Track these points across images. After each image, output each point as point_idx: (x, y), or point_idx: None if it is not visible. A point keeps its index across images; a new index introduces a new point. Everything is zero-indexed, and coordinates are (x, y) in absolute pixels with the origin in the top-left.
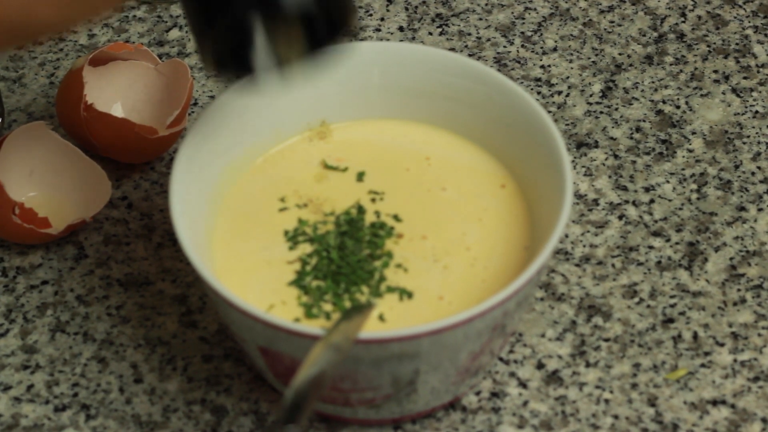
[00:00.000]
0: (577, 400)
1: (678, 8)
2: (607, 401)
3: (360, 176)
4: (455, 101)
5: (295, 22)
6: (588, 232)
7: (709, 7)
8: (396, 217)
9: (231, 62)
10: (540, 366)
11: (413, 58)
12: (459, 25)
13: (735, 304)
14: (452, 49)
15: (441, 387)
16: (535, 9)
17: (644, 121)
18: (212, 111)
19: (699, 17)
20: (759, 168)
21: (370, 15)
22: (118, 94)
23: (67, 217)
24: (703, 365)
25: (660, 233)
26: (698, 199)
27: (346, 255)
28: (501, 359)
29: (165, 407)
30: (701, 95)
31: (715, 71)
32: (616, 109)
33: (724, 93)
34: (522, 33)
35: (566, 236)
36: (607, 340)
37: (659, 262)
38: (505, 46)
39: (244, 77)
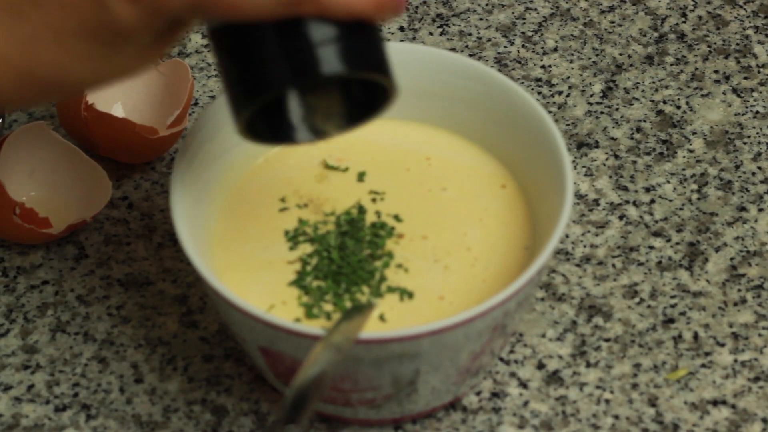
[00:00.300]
0: (578, 400)
1: (678, 8)
2: (607, 401)
3: (360, 176)
4: (456, 101)
5: (333, 96)
6: (588, 232)
7: (710, 8)
8: (396, 217)
9: (268, 134)
10: (540, 366)
11: (414, 58)
12: (459, 26)
13: (735, 304)
14: (453, 50)
15: (441, 387)
16: (535, 9)
17: (645, 121)
18: (212, 111)
19: (699, 17)
20: (759, 168)
21: None
22: (118, 94)
23: (68, 217)
24: (703, 365)
25: (660, 233)
26: (699, 199)
27: (347, 255)
28: (501, 359)
29: (165, 407)
30: (702, 95)
31: (716, 71)
32: (617, 109)
33: (724, 93)
34: (522, 33)
35: (567, 236)
36: (607, 340)
37: (660, 263)
38: (505, 46)
39: (279, 145)
